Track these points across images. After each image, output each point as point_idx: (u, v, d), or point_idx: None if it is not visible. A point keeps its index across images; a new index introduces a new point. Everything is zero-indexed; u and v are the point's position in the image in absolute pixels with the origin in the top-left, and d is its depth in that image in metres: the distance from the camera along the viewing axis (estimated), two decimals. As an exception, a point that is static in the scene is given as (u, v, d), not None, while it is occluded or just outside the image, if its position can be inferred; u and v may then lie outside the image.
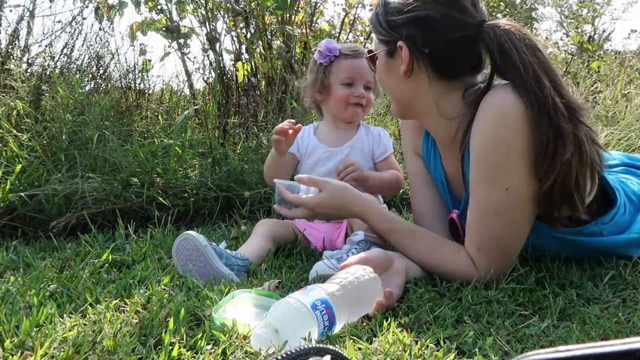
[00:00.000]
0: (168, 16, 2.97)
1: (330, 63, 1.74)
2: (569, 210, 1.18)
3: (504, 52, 1.16)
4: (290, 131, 1.63)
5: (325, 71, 1.75)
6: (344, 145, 1.75)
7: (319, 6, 3.24)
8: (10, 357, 0.88)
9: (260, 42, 2.95)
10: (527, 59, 1.14)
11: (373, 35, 1.37)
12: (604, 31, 5.34)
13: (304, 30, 3.09)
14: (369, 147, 1.76)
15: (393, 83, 1.34)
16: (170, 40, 3.03)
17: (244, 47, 3.08)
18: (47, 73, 2.77)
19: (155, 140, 2.50)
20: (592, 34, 4.99)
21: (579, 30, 4.70)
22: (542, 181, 1.13)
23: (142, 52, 3.18)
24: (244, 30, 3.06)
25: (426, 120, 1.36)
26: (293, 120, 1.66)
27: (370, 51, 1.39)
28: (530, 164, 1.13)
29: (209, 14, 2.96)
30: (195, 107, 2.94)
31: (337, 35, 3.31)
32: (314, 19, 3.26)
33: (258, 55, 3.06)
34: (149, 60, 3.24)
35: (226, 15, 3.02)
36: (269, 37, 3.05)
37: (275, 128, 1.66)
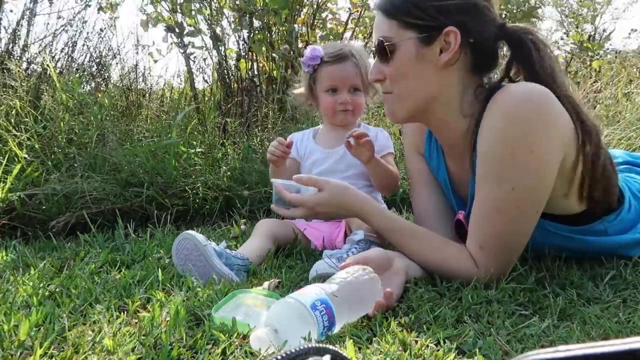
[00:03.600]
0: (173, 16, 2.97)
1: (315, 71, 1.74)
2: (606, 195, 1.24)
3: (528, 50, 1.19)
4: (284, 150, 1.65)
5: (312, 79, 1.76)
6: (339, 147, 1.75)
7: (321, 4, 3.23)
8: (10, 357, 0.88)
9: (263, 42, 2.95)
10: (547, 58, 1.19)
11: (389, 21, 1.23)
12: (604, 30, 5.33)
13: (305, 29, 3.10)
14: None
15: (423, 75, 1.23)
16: (173, 38, 3.04)
17: (246, 46, 3.08)
18: (47, 72, 2.77)
19: (155, 140, 2.50)
20: (593, 33, 4.98)
21: (579, 30, 4.70)
22: (579, 170, 1.18)
23: (152, 43, 3.20)
24: (246, 30, 3.07)
25: (442, 117, 1.28)
26: (283, 140, 1.66)
27: (382, 40, 1.23)
28: (546, 160, 1.14)
29: (215, 12, 2.97)
30: (197, 105, 2.94)
31: (341, 34, 3.31)
32: (321, 16, 3.25)
33: (261, 53, 3.06)
34: (155, 60, 3.24)
35: (231, 15, 3.03)
36: (272, 36, 3.05)
37: (269, 150, 1.66)
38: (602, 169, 1.19)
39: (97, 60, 3.21)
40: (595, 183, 1.21)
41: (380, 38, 1.24)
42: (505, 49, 1.29)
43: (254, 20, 3.01)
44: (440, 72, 1.22)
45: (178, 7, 2.97)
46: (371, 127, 1.84)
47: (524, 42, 1.20)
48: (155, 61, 3.25)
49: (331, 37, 3.20)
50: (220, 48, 3.08)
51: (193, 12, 2.99)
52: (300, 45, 3.07)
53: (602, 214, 1.27)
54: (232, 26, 3.05)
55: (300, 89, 1.84)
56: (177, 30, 2.98)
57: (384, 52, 1.24)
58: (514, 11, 3.20)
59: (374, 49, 1.28)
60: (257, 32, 3.01)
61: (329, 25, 3.33)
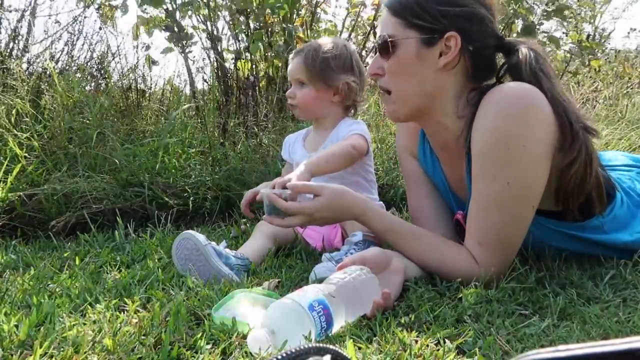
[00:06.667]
0: (170, 15, 2.96)
1: None
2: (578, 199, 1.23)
3: (521, 60, 1.23)
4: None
5: None
6: (318, 149, 1.72)
7: (320, 5, 3.23)
8: (10, 357, 0.88)
9: (260, 41, 2.95)
10: (545, 70, 1.22)
11: (395, 19, 1.26)
12: (603, 30, 5.33)
13: (304, 31, 3.10)
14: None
15: (419, 75, 1.27)
16: (172, 41, 3.03)
17: (243, 46, 3.08)
18: (47, 72, 2.77)
19: (156, 140, 2.50)
20: (592, 33, 4.98)
21: (578, 29, 4.70)
22: (564, 170, 1.19)
23: (147, 47, 3.19)
24: (244, 29, 3.07)
25: (440, 118, 1.31)
26: (245, 202, 1.60)
27: (385, 36, 1.26)
28: (538, 155, 1.16)
29: (211, 13, 2.96)
30: (196, 105, 2.94)
31: (339, 34, 3.31)
32: (317, 16, 3.25)
33: (259, 53, 3.06)
34: (154, 61, 3.23)
35: (227, 14, 3.03)
36: (270, 36, 3.05)
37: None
38: (575, 175, 1.19)
39: (98, 60, 3.21)
40: (566, 188, 1.21)
41: (384, 34, 1.27)
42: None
43: (250, 21, 3.01)
44: (437, 75, 1.26)
45: (175, 6, 2.96)
46: (349, 120, 1.77)
47: (519, 52, 1.25)
48: (153, 62, 3.23)
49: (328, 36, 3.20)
50: (218, 48, 3.07)
51: (190, 13, 2.99)
52: (298, 45, 3.07)
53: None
54: (228, 25, 3.05)
55: None
56: (175, 29, 2.97)
57: (386, 48, 1.27)
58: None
59: (377, 44, 1.31)
60: (254, 32, 3.00)
61: (324, 25, 3.33)
